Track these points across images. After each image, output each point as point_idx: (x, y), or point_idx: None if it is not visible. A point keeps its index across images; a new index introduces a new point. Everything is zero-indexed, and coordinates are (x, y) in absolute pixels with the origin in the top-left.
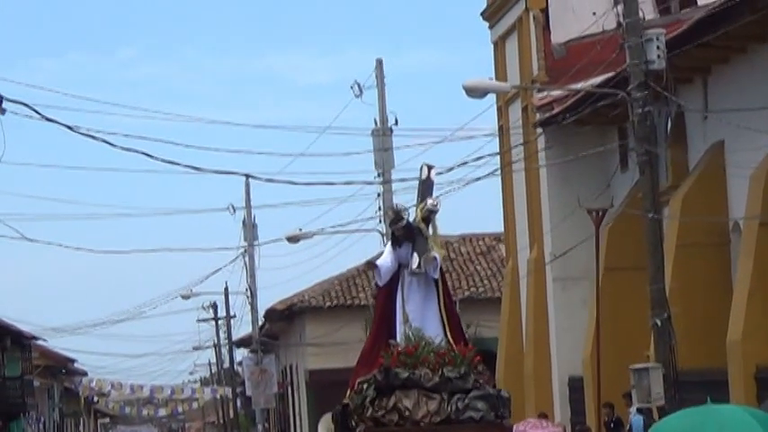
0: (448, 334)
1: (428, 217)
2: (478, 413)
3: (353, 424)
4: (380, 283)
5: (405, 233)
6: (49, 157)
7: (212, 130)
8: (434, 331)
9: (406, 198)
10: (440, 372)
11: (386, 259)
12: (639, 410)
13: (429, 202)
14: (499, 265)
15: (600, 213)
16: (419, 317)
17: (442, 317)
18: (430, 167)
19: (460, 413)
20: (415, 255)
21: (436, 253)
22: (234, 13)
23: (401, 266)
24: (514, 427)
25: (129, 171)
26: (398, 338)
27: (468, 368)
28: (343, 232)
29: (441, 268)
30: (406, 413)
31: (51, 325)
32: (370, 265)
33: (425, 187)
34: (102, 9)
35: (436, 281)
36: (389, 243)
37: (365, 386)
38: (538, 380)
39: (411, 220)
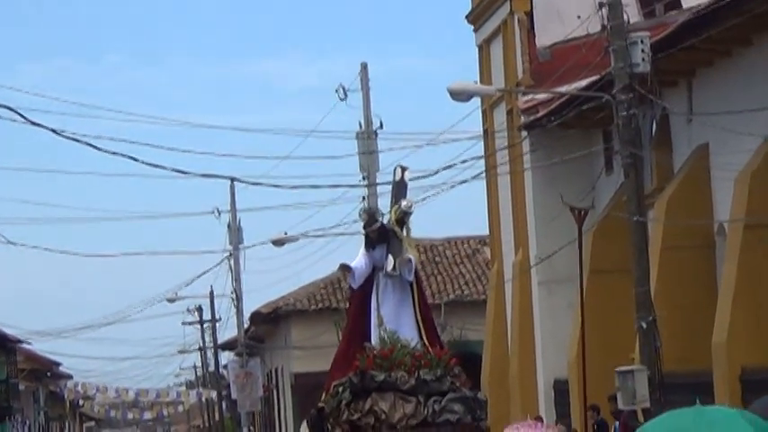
0: (423, 336)
1: (402, 219)
2: (455, 415)
3: (329, 427)
4: (354, 286)
5: (379, 235)
6: (35, 160)
7: (197, 134)
8: (410, 334)
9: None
10: (416, 374)
11: (360, 262)
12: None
13: (403, 203)
14: (484, 269)
15: (582, 212)
16: (394, 319)
17: (417, 319)
18: (404, 169)
19: (437, 416)
20: (390, 257)
21: (411, 255)
22: (219, 19)
23: (375, 269)
24: (506, 429)
25: (115, 175)
26: (373, 341)
27: (445, 370)
28: (329, 235)
29: (416, 270)
30: (383, 416)
31: (36, 328)
32: (344, 267)
33: (399, 189)
34: (89, 14)
35: (411, 283)
36: (363, 246)
37: (341, 389)
38: (523, 383)
39: (385, 221)
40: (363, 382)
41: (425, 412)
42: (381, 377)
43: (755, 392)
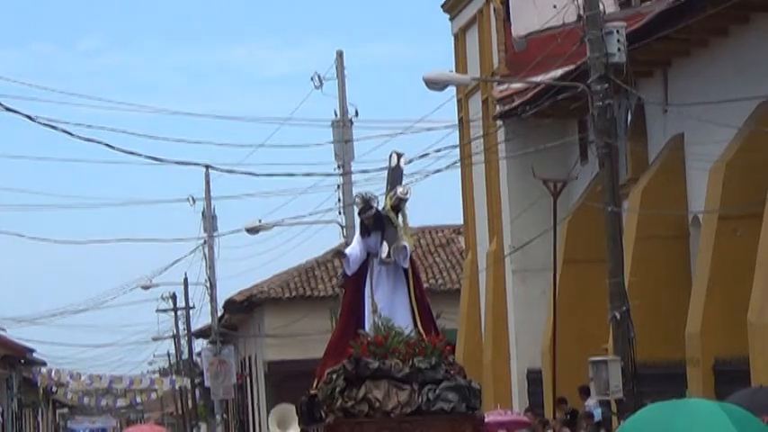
0: (418, 324)
1: (398, 205)
2: (449, 404)
3: (322, 414)
4: (349, 273)
5: (374, 222)
6: (8, 147)
7: (172, 121)
8: (404, 321)
9: (366, 190)
10: (410, 362)
11: (355, 248)
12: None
13: (399, 190)
14: (458, 258)
15: (556, 185)
16: (388, 306)
17: (412, 306)
18: (399, 155)
19: (431, 404)
20: (385, 244)
21: (406, 242)
22: (195, 5)
23: (370, 256)
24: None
25: (89, 162)
26: (367, 328)
27: (439, 358)
28: (303, 224)
29: (411, 257)
30: (377, 404)
31: (10, 315)
32: (339, 254)
33: (395, 175)
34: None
35: (406, 270)
36: (358, 232)
37: (334, 376)
38: (496, 372)
39: (380, 208)
40: (357, 369)
41: (420, 400)
42: (375, 365)
43: (728, 383)
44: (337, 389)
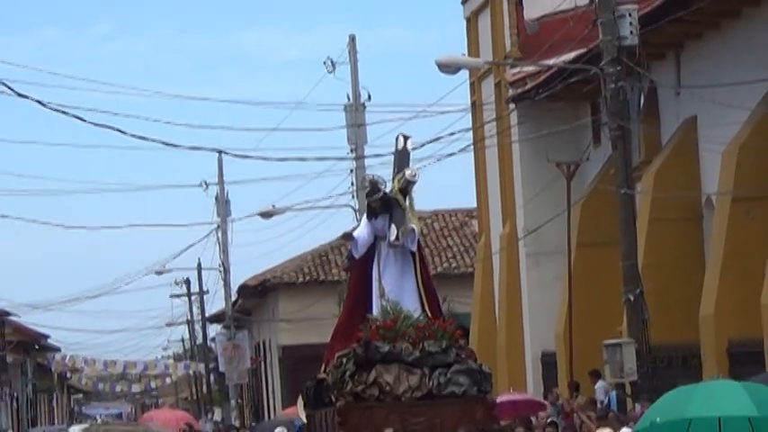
0: (426, 307)
1: (406, 188)
2: (460, 388)
3: (332, 399)
4: (357, 256)
5: (381, 205)
6: (21, 133)
7: (184, 106)
8: (412, 304)
9: (378, 173)
10: (420, 346)
11: (362, 231)
12: (597, 374)
13: (407, 172)
14: (472, 241)
15: (570, 167)
16: (396, 290)
17: (419, 290)
18: (406, 138)
19: (442, 388)
20: (393, 226)
21: (414, 225)
22: None
23: (377, 239)
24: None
25: (102, 147)
26: (375, 312)
27: (450, 342)
28: (316, 208)
29: (418, 240)
30: (387, 388)
31: (25, 301)
32: (347, 236)
33: (402, 158)
34: None
35: (413, 253)
36: (365, 215)
37: (344, 360)
38: (510, 355)
39: (388, 191)
40: (367, 353)
41: (430, 384)
42: (386, 348)
43: (743, 365)
44: (347, 373)
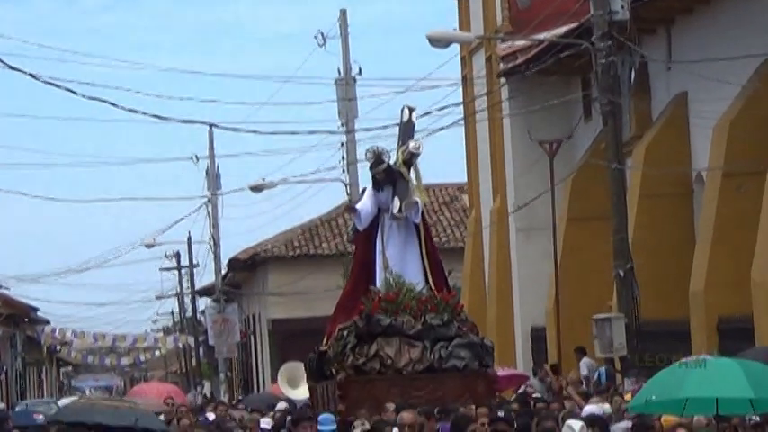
0: (430, 280)
1: (410, 160)
2: (462, 361)
3: (333, 371)
4: (360, 228)
5: (385, 177)
6: (12, 106)
7: (174, 78)
8: (415, 277)
9: (375, 144)
10: (422, 319)
11: (366, 203)
12: (582, 351)
13: (411, 144)
14: (462, 216)
15: (553, 145)
16: (399, 262)
17: (423, 262)
18: (411, 109)
19: (444, 361)
20: (396, 199)
21: (418, 197)
22: None
23: (381, 211)
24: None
25: (93, 120)
26: (378, 284)
27: (451, 315)
28: (307, 182)
29: (422, 213)
30: (388, 361)
31: (13, 273)
32: (350, 209)
33: (407, 130)
34: None
35: (417, 226)
36: (369, 187)
37: (345, 333)
38: (500, 330)
39: (392, 163)
40: (369, 326)
41: (432, 357)
42: (387, 321)
43: (732, 340)
44: (348, 345)
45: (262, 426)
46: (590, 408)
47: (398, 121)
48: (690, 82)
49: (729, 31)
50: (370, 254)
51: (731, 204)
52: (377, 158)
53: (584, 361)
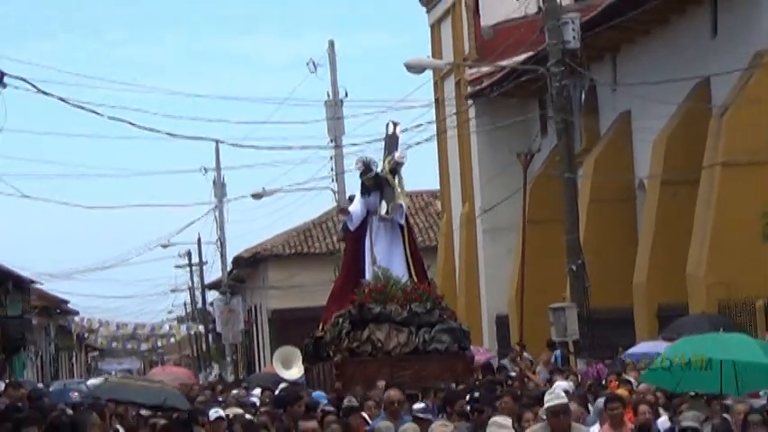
0: (413, 274)
1: (395, 168)
2: (443, 345)
3: (330, 354)
4: (351, 228)
5: (374, 183)
6: (45, 125)
7: (184, 101)
8: (400, 271)
9: (365, 154)
10: (408, 307)
11: (357, 206)
12: (553, 344)
13: (396, 155)
14: (435, 218)
15: (527, 155)
16: (386, 258)
17: (407, 258)
18: (395, 124)
19: (427, 344)
20: (383, 202)
21: (402, 201)
22: (209, 3)
23: (369, 213)
24: None
25: (114, 138)
26: (368, 277)
27: (434, 304)
28: (301, 190)
29: (406, 215)
30: (379, 344)
31: (47, 271)
32: (343, 211)
33: (391, 142)
34: None
35: (402, 226)
36: (359, 192)
37: (341, 320)
38: (469, 317)
39: (379, 171)
40: (361, 313)
41: (417, 341)
42: (377, 309)
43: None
44: (343, 331)
45: (251, 399)
46: (562, 384)
47: (382, 137)
48: (633, 102)
49: (667, 57)
50: (359, 251)
51: (668, 209)
52: (366, 167)
53: (558, 353)
